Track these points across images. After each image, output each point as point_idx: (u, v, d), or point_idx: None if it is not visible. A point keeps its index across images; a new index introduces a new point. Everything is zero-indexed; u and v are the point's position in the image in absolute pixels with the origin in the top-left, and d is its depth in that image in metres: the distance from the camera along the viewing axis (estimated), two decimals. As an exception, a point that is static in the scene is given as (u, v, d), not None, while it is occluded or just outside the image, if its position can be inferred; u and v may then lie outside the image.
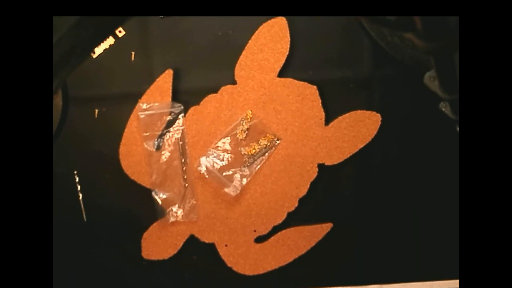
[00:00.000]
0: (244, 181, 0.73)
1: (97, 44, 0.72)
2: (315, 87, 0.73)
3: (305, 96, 0.73)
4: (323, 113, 0.73)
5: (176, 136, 0.74)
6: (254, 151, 0.73)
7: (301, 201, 0.74)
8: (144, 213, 0.75)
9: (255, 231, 0.75)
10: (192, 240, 0.75)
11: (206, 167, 0.74)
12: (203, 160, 0.74)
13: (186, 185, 0.75)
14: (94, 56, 0.75)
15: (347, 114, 0.73)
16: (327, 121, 0.73)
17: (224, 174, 0.74)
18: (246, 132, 0.74)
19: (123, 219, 0.77)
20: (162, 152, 0.74)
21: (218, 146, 0.74)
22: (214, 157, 0.74)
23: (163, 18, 0.74)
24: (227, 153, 0.74)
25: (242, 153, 0.74)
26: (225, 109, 0.74)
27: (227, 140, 0.74)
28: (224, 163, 0.74)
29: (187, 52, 0.75)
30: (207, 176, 0.74)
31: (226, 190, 0.73)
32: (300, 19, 0.73)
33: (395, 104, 0.73)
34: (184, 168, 0.75)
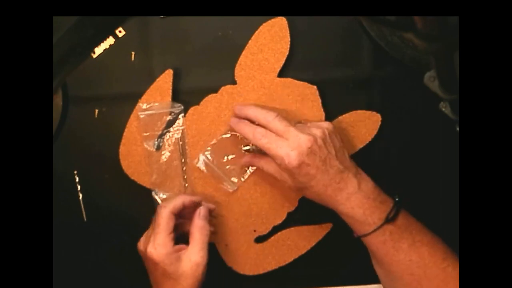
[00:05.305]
0: (244, 177, 0.73)
1: (97, 44, 0.72)
2: (315, 87, 0.73)
3: (305, 96, 0.73)
4: (323, 113, 0.73)
5: (176, 136, 0.74)
6: (254, 147, 0.72)
7: (301, 201, 0.73)
8: (144, 213, 0.75)
9: (255, 231, 0.75)
10: (192, 240, 0.75)
11: (204, 162, 0.73)
12: (201, 156, 0.74)
13: (186, 185, 0.75)
14: (94, 56, 0.75)
15: (347, 114, 0.73)
16: (327, 121, 0.73)
17: (223, 169, 0.73)
18: (246, 132, 0.73)
19: (123, 219, 0.77)
20: (162, 152, 0.74)
21: (217, 144, 0.74)
22: (213, 152, 0.73)
23: (163, 18, 0.74)
24: (227, 150, 0.73)
25: (242, 150, 0.73)
26: (225, 109, 0.74)
27: (227, 137, 0.73)
28: (224, 160, 0.74)
29: (187, 52, 0.75)
30: (205, 171, 0.73)
31: (224, 185, 0.73)
32: (300, 19, 0.73)
33: (395, 104, 0.73)
34: (184, 168, 0.75)
